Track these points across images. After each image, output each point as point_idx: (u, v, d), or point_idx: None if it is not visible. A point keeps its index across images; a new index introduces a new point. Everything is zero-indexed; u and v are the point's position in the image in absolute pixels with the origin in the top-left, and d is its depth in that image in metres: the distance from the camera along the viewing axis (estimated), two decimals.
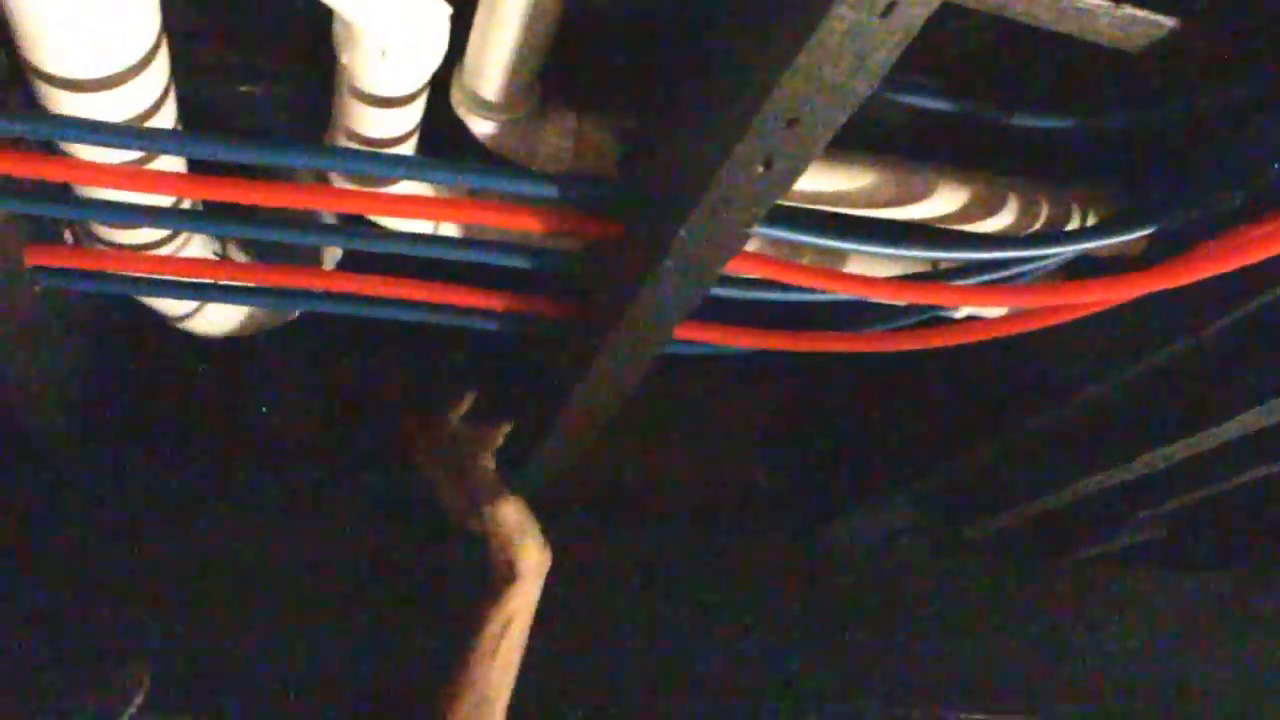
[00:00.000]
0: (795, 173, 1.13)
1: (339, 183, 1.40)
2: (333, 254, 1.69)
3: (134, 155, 1.27)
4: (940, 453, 2.05)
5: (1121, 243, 1.48)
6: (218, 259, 1.54)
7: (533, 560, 1.67)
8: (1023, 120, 1.43)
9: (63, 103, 1.18)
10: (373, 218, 1.46)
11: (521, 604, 1.67)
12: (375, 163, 1.31)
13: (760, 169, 1.11)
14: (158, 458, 2.04)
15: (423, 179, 1.36)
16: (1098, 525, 2.34)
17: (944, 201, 1.50)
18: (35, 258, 1.41)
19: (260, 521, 2.02)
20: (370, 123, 1.29)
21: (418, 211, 1.40)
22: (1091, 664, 2.30)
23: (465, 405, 1.81)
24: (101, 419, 1.90)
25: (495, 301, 1.51)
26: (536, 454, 1.81)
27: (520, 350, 1.78)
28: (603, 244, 1.38)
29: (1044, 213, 1.53)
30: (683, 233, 1.20)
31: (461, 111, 1.32)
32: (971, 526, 2.30)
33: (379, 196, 1.38)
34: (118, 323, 1.77)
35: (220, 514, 2.01)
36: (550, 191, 1.31)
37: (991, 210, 1.51)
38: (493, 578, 1.67)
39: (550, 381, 1.68)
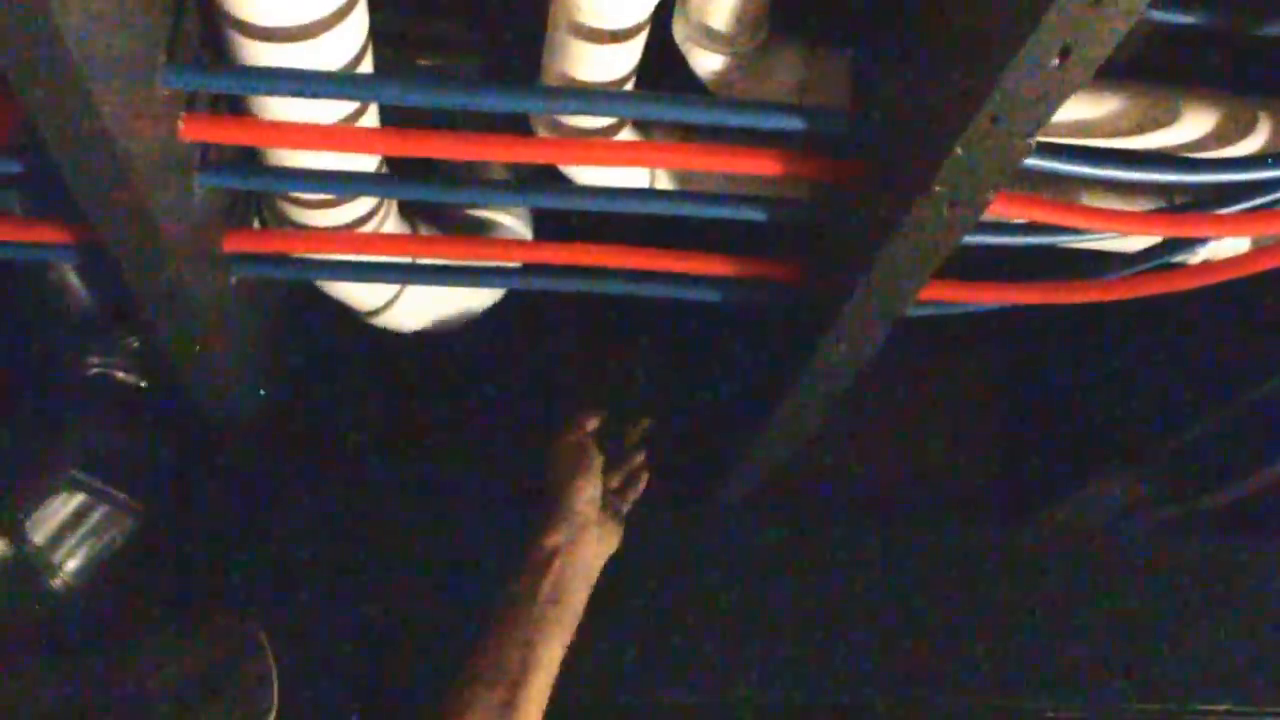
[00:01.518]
0: (1094, 64, 1.00)
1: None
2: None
3: (338, 114, 1.17)
4: (1172, 420, 1.91)
5: None
6: (417, 235, 1.43)
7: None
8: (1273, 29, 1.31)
9: (263, 55, 1.08)
10: (573, 172, 1.36)
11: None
12: (602, 101, 1.19)
13: (1055, 61, 0.99)
14: (343, 457, 1.98)
15: (658, 114, 1.24)
16: None
17: (1190, 126, 1.38)
18: (233, 244, 1.29)
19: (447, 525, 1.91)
20: (589, 62, 1.17)
21: (640, 158, 1.29)
22: None
23: (596, 421, 1.67)
24: (287, 416, 1.82)
25: (721, 267, 1.36)
26: (756, 445, 1.69)
27: (738, 323, 1.66)
28: (843, 186, 1.25)
29: None
30: (958, 149, 1.07)
31: (686, 46, 1.22)
32: (1207, 498, 2.14)
33: (597, 144, 1.26)
34: (301, 320, 1.68)
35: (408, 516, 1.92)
36: (794, 124, 1.17)
37: (1241, 133, 1.39)
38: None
39: (777, 357, 1.55)
